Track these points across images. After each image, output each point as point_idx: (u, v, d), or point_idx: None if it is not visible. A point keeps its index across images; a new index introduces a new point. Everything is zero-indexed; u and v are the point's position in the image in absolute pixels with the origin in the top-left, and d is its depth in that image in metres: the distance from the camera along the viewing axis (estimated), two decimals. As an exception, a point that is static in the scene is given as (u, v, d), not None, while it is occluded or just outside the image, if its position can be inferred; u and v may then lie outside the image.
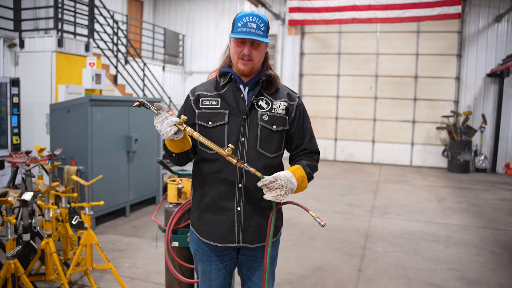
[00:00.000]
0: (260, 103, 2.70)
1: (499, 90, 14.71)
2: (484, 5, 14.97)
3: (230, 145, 2.46)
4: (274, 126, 2.69)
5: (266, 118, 2.67)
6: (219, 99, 2.70)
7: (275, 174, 2.49)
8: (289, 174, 2.53)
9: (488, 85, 15.06)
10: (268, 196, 2.48)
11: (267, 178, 2.48)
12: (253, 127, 2.66)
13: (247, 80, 2.74)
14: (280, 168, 2.78)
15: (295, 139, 2.81)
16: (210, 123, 2.67)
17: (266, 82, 2.75)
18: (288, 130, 2.79)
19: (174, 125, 2.42)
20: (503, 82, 14.52)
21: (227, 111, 2.66)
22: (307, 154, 2.83)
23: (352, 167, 15.53)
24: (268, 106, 2.70)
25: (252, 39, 2.57)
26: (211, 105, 2.70)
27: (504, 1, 14.62)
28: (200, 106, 2.72)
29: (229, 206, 2.67)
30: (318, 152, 2.89)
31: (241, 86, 2.72)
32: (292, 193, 2.58)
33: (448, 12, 13.66)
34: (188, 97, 2.81)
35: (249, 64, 2.64)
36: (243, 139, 2.64)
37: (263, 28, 2.60)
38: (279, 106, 2.71)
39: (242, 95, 2.70)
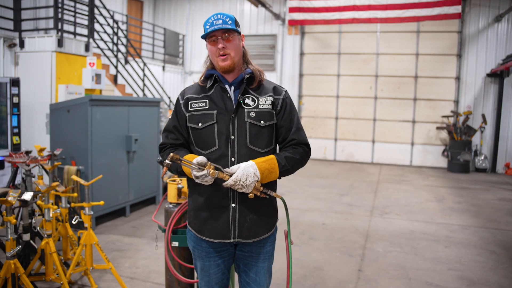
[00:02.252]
0: (247, 101, 2.78)
1: (499, 90, 14.71)
2: (484, 5, 14.97)
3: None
4: (262, 122, 2.76)
5: (253, 114, 2.75)
6: (207, 101, 2.79)
7: (233, 176, 2.59)
8: (252, 167, 2.63)
9: (488, 85, 15.06)
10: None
11: (227, 182, 2.60)
12: (241, 124, 2.74)
13: (232, 80, 2.82)
14: None
15: (282, 131, 2.87)
16: (200, 124, 2.76)
17: (249, 79, 2.84)
18: (276, 124, 2.85)
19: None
20: (503, 82, 14.51)
21: (215, 111, 2.75)
22: (293, 146, 2.86)
23: (352, 167, 15.53)
24: (254, 103, 2.78)
25: (221, 28, 2.68)
26: (200, 107, 2.79)
27: (504, 1, 14.61)
28: (190, 109, 2.81)
29: (224, 204, 2.75)
30: (306, 144, 2.90)
31: (227, 86, 2.81)
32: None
33: (448, 12, 13.67)
34: (178, 100, 2.92)
35: (228, 58, 2.73)
36: (232, 137, 2.72)
37: (229, 22, 2.70)
38: (265, 101, 2.80)
39: (228, 95, 2.78)
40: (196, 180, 2.60)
